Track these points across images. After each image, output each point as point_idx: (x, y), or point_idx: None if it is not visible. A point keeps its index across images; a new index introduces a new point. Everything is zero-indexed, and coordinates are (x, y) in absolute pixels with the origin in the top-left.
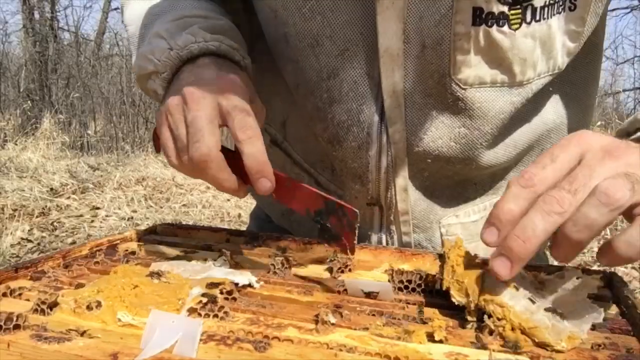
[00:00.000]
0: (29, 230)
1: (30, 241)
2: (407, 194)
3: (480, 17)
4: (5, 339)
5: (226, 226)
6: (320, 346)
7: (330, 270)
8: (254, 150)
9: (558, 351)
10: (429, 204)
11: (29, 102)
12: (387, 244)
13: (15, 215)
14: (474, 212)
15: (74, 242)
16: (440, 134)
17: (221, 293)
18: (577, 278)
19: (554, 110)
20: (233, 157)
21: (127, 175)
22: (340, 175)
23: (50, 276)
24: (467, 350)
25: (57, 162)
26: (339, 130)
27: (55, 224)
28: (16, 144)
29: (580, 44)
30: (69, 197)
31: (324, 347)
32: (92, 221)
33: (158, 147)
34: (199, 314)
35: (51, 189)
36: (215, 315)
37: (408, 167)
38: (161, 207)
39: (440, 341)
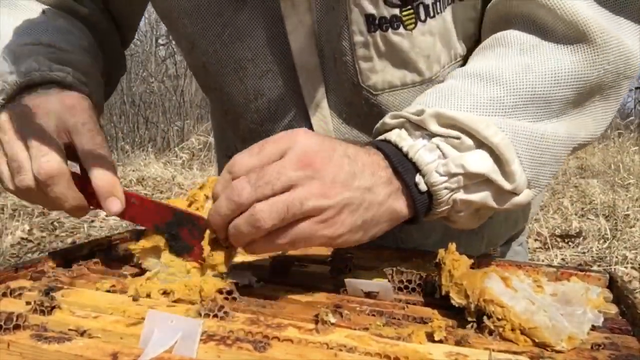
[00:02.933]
0: (29, 230)
1: (30, 241)
2: None
3: (374, 23)
4: (5, 339)
5: None
6: (320, 346)
7: (330, 270)
8: (103, 169)
9: (558, 351)
10: None
11: None
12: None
13: (15, 215)
14: None
15: (74, 242)
16: (367, 140)
17: (221, 293)
18: (587, 289)
19: None
20: (75, 177)
21: (127, 175)
22: None
23: (50, 276)
24: (467, 349)
25: None
26: None
27: (55, 223)
28: None
29: (477, 29)
30: None
31: (323, 347)
32: (92, 221)
33: None
34: (199, 314)
35: None
36: (215, 315)
37: None
38: None
39: (440, 341)
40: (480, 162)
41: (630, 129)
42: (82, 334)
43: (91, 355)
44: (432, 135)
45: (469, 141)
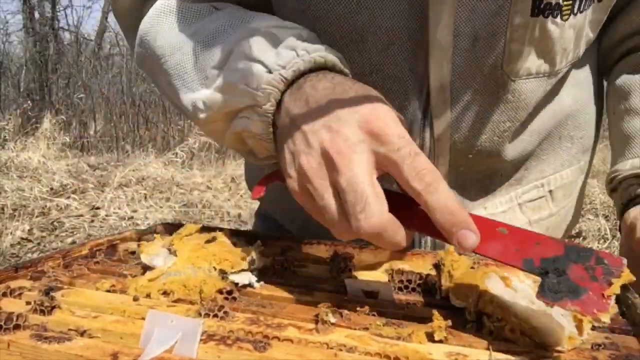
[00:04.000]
0: (29, 230)
1: (30, 241)
2: None
3: (539, 7)
4: (5, 339)
5: (226, 226)
6: (320, 346)
7: (330, 270)
8: (441, 200)
9: (558, 351)
10: (459, 199)
11: (29, 102)
12: (414, 240)
13: (15, 215)
14: (501, 203)
15: (74, 242)
16: (485, 129)
17: (221, 293)
18: None
19: (568, 95)
20: (390, 195)
21: (127, 175)
22: None
23: (50, 276)
24: (467, 350)
25: (57, 162)
26: None
27: (55, 223)
28: (16, 144)
29: (596, 33)
30: (69, 197)
31: (323, 347)
32: (92, 221)
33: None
34: (199, 314)
35: (51, 188)
36: (215, 315)
37: (448, 165)
38: (161, 207)
39: (440, 341)
40: None
41: None
42: (82, 334)
43: (91, 355)
44: None
45: None
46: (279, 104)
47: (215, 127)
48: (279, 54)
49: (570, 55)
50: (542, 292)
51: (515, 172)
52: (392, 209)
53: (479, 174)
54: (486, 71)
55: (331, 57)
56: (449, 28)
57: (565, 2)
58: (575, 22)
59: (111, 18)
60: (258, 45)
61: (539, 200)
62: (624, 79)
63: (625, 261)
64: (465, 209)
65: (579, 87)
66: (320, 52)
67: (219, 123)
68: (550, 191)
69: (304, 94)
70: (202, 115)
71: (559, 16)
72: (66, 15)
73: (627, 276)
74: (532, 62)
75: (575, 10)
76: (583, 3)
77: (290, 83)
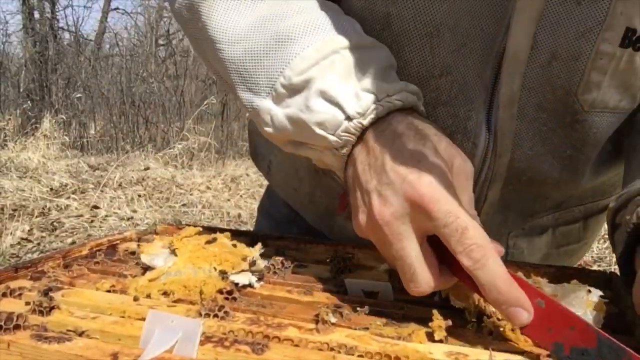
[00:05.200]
0: (28, 230)
1: (30, 241)
2: (491, 208)
3: (630, 39)
4: (5, 339)
5: (226, 226)
6: (321, 346)
7: (330, 270)
8: (490, 278)
9: None
10: (503, 217)
11: (29, 102)
12: None
13: (15, 215)
14: (539, 227)
15: (73, 242)
16: (546, 151)
17: (221, 293)
18: (588, 291)
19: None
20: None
21: (127, 175)
22: None
23: (50, 276)
24: (467, 349)
25: (57, 162)
26: None
27: (55, 224)
28: (16, 144)
29: None
30: (68, 197)
31: (324, 347)
32: (92, 221)
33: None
34: (200, 314)
35: (51, 189)
36: (216, 315)
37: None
38: (161, 207)
39: (440, 341)
40: None
41: None
42: (80, 334)
43: (91, 355)
44: None
45: None
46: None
47: (277, 139)
48: (358, 98)
49: None
50: None
51: (561, 199)
52: (446, 251)
53: (526, 194)
54: (559, 94)
55: (410, 100)
56: (528, 40)
57: None
58: None
59: (111, 18)
60: (336, 81)
61: (572, 226)
62: None
63: None
64: (515, 284)
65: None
66: (398, 96)
67: (283, 139)
68: (585, 219)
69: (369, 147)
70: (267, 129)
71: None
72: (66, 16)
73: None
74: (611, 96)
75: None
76: None
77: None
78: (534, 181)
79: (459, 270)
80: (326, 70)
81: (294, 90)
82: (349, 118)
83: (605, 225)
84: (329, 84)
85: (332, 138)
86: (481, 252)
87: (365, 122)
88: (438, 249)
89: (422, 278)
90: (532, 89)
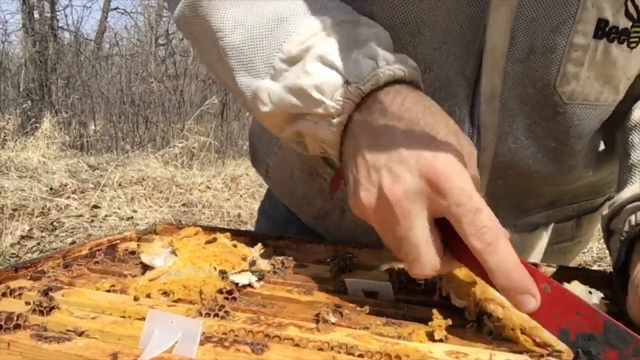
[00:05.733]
0: (28, 230)
1: (30, 239)
2: None
3: (604, 30)
4: (5, 339)
5: (226, 226)
6: (321, 345)
7: (330, 270)
8: (501, 263)
9: (558, 351)
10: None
11: (28, 101)
12: None
13: (15, 215)
14: (532, 223)
15: (73, 242)
16: (530, 143)
17: (221, 293)
18: (589, 293)
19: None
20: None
21: (127, 175)
22: None
23: (50, 276)
24: (467, 349)
25: (57, 162)
26: None
27: (55, 223)
28: (16, 144)
29: None
30: (68, 197)
31: (324, 347)
32: (92, 221)
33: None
34: (200, 314)
35: (51, 188)
36: (216, 315)
37: (488, 176)
38: (161, 207)
39: (441, 340)
40: None
41: None
42: (80, 334)
43: (91, 355)
44: None
45: None
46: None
47: (273, 120)
48: (357, 63)
49: (627, 86)
50: None
51: (554, 198)
52: (452, 236)
53: (516, 189)
54: (538, 86)
55: (411, 72)
56: (506, 35)
57: (635, 29)
58: None
59: (111, 18)
60: (335, 47)
61: (565, 224)
62: None
63: None
64: (525, 270)
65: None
66: (400, 65)
67: (279, 117)
68: (579, 217)
69: (373, 119)
70: (264, 109)
71: (625, 42)
72: (66, 15)
73: None
74: (591, 88)
75: None
76: None
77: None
78: (520, 175)
79: (463, 255)
80: (325, 38)
81: (292, 61)
82: (347, 82)
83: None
84: (328, 49)
85: (329, 102)
86: (493, 235)
87: (365, 87)
88: (440, 234)
89: (427, 259)
90: (512, 83)
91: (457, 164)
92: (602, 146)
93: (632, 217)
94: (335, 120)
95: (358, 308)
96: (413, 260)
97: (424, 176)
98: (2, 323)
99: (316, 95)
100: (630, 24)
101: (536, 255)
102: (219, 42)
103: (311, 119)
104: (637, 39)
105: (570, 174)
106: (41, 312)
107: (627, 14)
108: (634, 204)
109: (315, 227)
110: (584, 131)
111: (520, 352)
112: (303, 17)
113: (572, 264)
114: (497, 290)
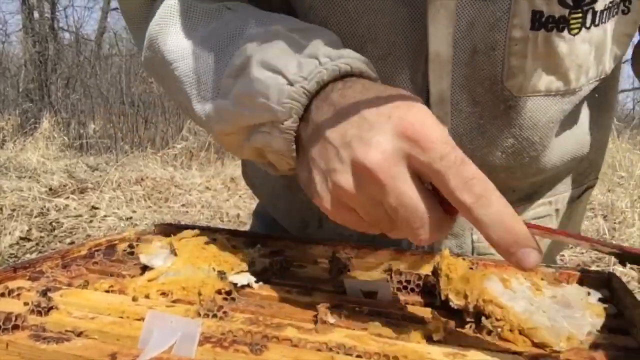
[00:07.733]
0: (27, 231)
1: (29, 240)
2: None
3: (540, 21)
4: (4, 339)
5: (225, 226)
6: (320, 346)
7: (329, 270)
8: (495, 215)
9: (556, 351)
10: None
11: (28, 102)
12: (416, 248)
13: (13, 215)
14: None
15: (72, 242)
16: (486, 143)
17: (220, 293)
18: (588, 294)
19: (587, 115)
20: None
21: (126, 176)
22: None
23: (48, 276)
24: (465, 350)
25: (56, 162)
26: None
27: (54, 224)
28: (15, 144)
29: (626, 49)
30: (67, 197)
31: (323, 347)
32: (91, 221)
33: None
34: (199, 314)
35: (50, 189)
36: (215, 315)
37: None
38: (160, 207)
39: (439, 341)
40: None
41: (629, 130)
42: (78, 335)
43: (89, 355)
44: None
45: None
46: (303, 117)
47: (231, 140)
48: (300, 64)
49: (591, 72)
50: None
51: (531, 192)
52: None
53: None
54: (486, 85)
55: (357, 64)
56: (448, 40)
57: (573, 16)
58: (590, 36)
59: (110, 18)
60: (278, 53)
61: (544, 218)
62: None
63: None
64: (522, 222)
65: (597, 105)
66: (344, 59)
67: (235, 136)
68: (557, 210)
69: (331, 105)
70: (217, 127)
71: (565, 30)
72: (66, 16)
73: None
74: (538, 78)
75: (588, 24)
76: (599, 16)
77: (315, 94)
78: (485, 173)
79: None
80: (266, 46)
81: (237, 73)
82: (291, 83)
83: (598, 224)
84: (270, 55)
85: (275, 107)
86: (483, 186)
87: (309, 86)
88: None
89: (433, 221)
90: (461, 85)
91: (431, 115)
92: (570, 131)
93: None
94: (283, 125)
95: (357, 308)
96: (418, 227)
97: (401, 132)
98: (1, 323)
99: (262, 100)
100: (567, 11)
101: None
102: (174, 72)
103: (265, 129)
104: (578, 26)
105: (535, 165)
106: (40, 313)
107: (561, 1)
108: None
109: (300, 236)
110: (540, 122)
111: (519, 353)
112: (248, 32)
113: (572, 264)
114: (493, 247)
